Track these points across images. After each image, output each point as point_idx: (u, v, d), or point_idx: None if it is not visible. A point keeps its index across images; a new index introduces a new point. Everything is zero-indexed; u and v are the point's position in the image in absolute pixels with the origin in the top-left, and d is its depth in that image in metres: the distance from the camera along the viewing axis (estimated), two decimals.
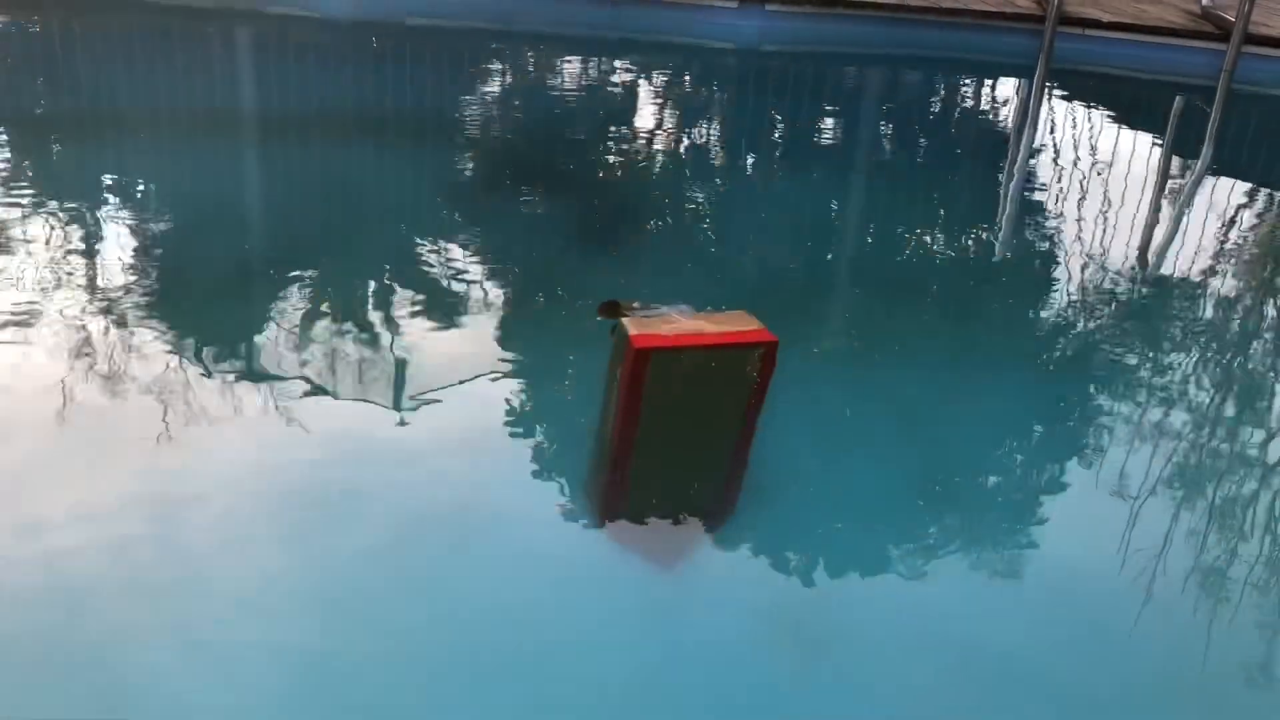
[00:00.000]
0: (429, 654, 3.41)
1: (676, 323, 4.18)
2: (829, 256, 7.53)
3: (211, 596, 3.56)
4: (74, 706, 3.09)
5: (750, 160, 9.78)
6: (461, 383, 5.04)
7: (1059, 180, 9.32)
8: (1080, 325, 6.37)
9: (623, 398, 4.03)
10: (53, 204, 7.01)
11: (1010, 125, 11.23)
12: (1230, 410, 5.47)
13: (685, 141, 10.00)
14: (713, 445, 4.23)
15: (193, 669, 3.25)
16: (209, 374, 4.94)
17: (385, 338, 5.46)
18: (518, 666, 3.35)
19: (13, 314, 5.30)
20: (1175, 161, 10.23)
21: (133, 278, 5.96)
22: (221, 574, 3.66)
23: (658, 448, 4.15)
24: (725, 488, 4.23)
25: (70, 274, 5.91)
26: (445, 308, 5.91)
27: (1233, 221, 8.51)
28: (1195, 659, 3.66)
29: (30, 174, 7.69)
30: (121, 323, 5.35)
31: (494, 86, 11.26)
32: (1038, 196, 8.94)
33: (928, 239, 7.84)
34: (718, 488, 4.23)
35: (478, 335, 5.63)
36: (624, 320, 4.12)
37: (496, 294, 6.16)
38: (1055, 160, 9.93)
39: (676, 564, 3.80)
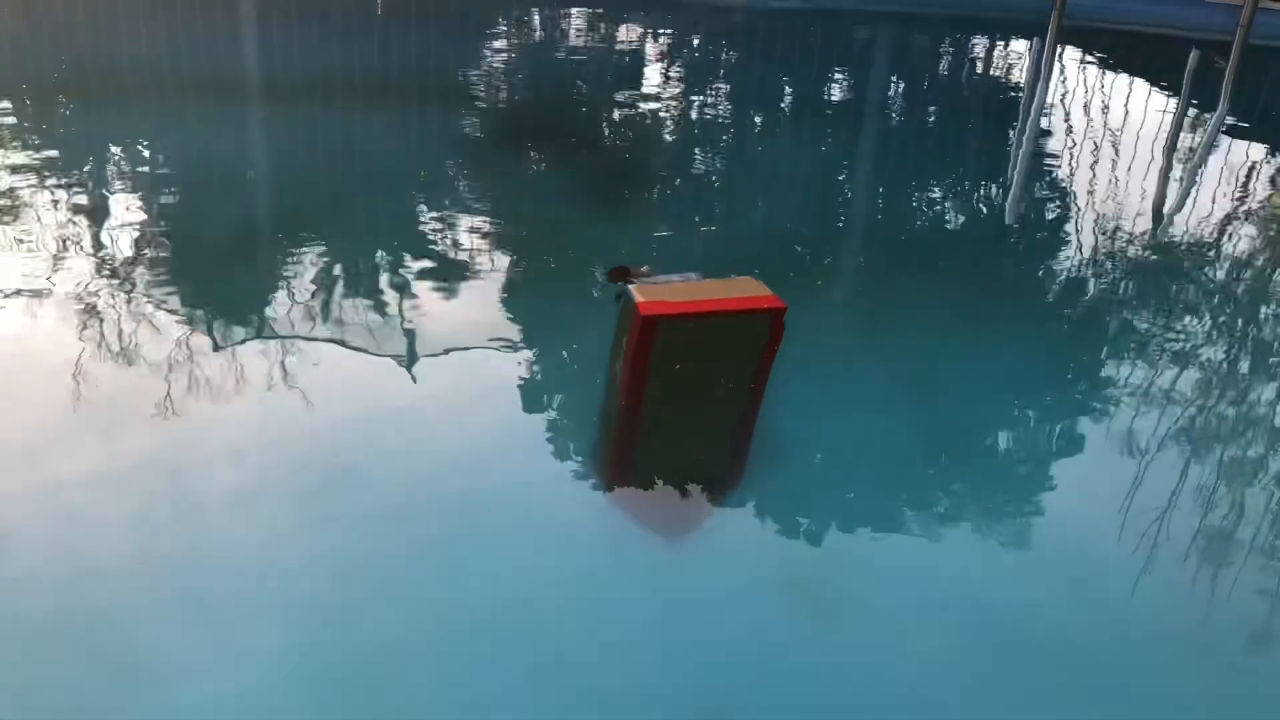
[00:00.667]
0: (440, 616, 3.38)
1: (684, 289, 4.15)
2: (839, 216, 7.46)
3: (222, 561, 3.54)
4: (85, 669, 3.09)
5: (762, 119, 9.69)
6: (473, 345, 5.01)
7: (1072, 138, 9.21)
8: (1093, 286, 6.31)
9: (629, 365, 4.01)
10: (67, 169, 7.00)
11: (1022, 83, 11.11)
12: (1241, 372, 5.41)
13: (696, 100, 9.92)
14: (720, 412, 4.19)
15: (202, 633, 3.23)
16: (219, 337, 4.93)
17: (396, 302, 5.43)
18: (528, 631, 3.32)
19: (30, 279, 5.30)
20: (1190, 117, 10.12)
21: (148, 241, 5.95)
22: (233, 538, 3.64)
23: (665, 415, 4.13)
24: (733, 455, 4.19)
25: (84, 239, 5.90)
26: (458, 269, 5.89)
27: (1248, 176, 8.42)
28: (1204, 620, 3.63)
29: (43, 137, 7.69)
30: (137, 287, 5.35)
31: (500, 46, 11.18)
32: (1050, 155, 8.84)
33: (938, 199, 7.76)
34: (725, 455, 4.20)
35: (490, 297, 5.60)
36: (630, 287, 4.08)
37: (509, 254, 6.16)
38: (1068, 118, 9.82)
39: (684, 534, 3.77)
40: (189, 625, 3.26)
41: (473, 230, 6.41)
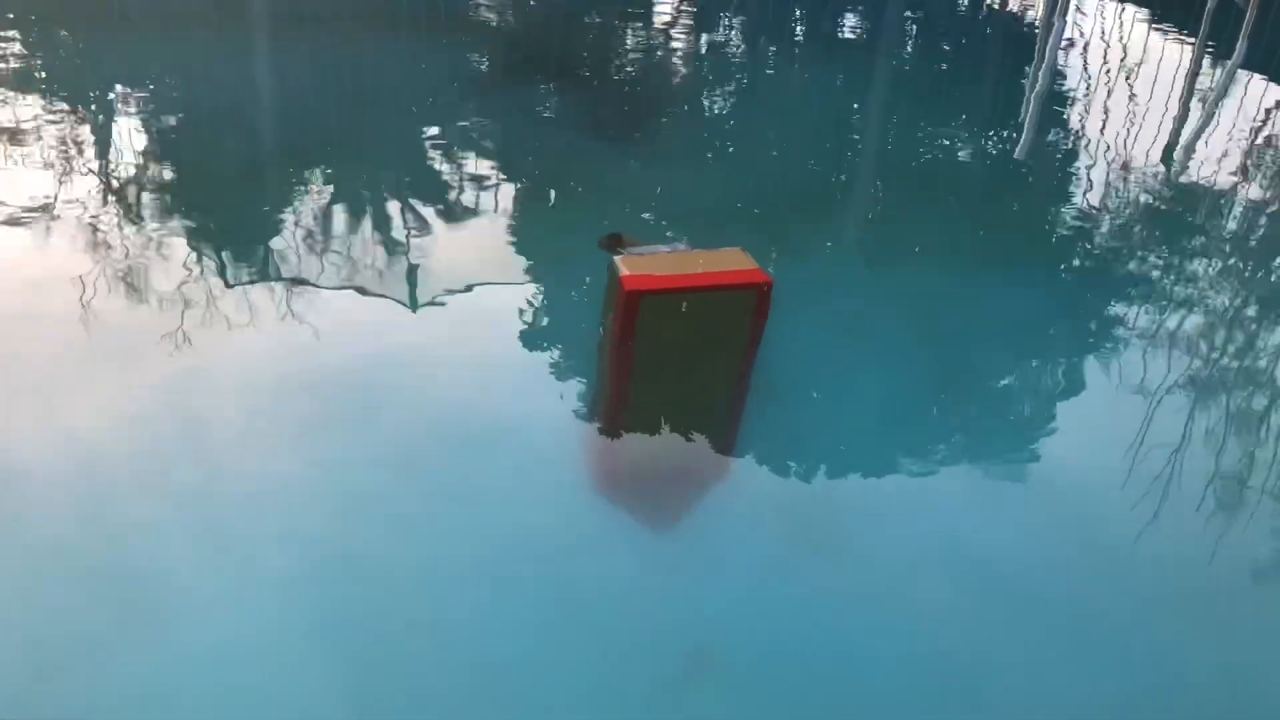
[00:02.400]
0: (443, 554, 3.40)
1: (670, 261, 4.12)
2: (848, 153, 7.38)
3: (231, 494, 3.56)
4: (94, 598, 3.12)
5: (774, 53, 9.55)
6: (480, 281, 5.02)
7: (1086, 77, 9.07)
8: (1105, 226, 6.25)
9: (616, 339, 4.00)
10: (72, 100, 6.97)
11: (1037, 21, 10.89)
12: (1251, 316, 5.38)
13: (707, 32, 9.76)
14: (708, 388, 4.17)
15: (211, 566, 3.25)
16: (223, 272, 4.94)
17: (403, 237, 5.43)
18: (529, 570, 3.33)
19: (36, 209, 5.32)
20: (1208, 57, 9.92)
21: (155, 173, 5.97)
22: (241, 472, 3.66)
23: (653, 390, 4.10)
24: (723, 433, 4.12)
25: (90, 170, 5.90)
26: (465, 206, 5.87)
27: (1264, 120, 8.28)
28: (1206, 569, 3.64)
29: (49, 68, 7.66)
30: (142, 220, 5.37)
31: None
32: (1064, 95, 8.71)
33: (949, 137, 7.66)
34: (715, 433, 4.12)
35: (496, 234, 5.59)
36: (616, 259, 4.06)
37: (516, 190, 6.14)
38: (1084, 57, 9.66)
39: (672, 522, 3.65)
40: (198, 558, 3.29)
41: (480, 165, 6.39)
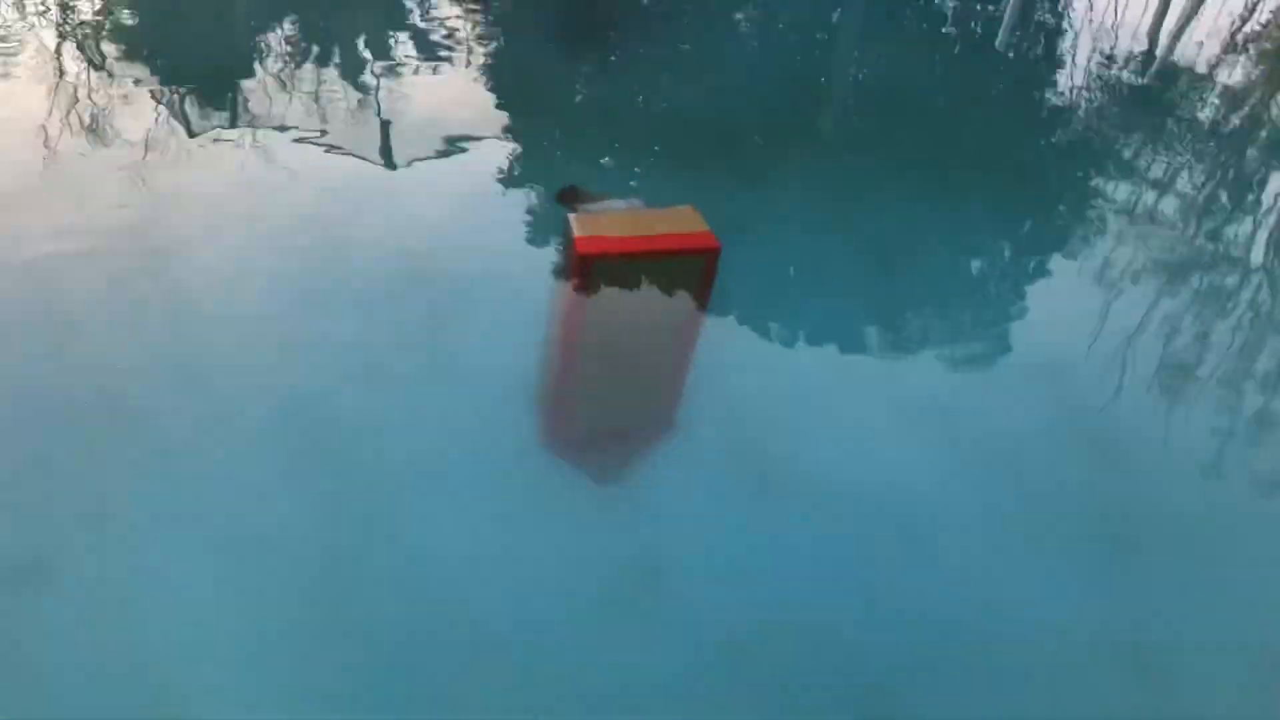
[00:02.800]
0: (415, 401, 3.52)
1: (623, 220, 4.20)
2: (814, 71, 7.29)
3: (199, 336, 3.67)
4: (65, 435, 3.26)
5: None
6: (450, 149, 5.11)
7: None
8: (1080, 113, 6.32)
9: (567, 298, 4.09)
10: None
11: None
12: (1221, 208, 5.49)
13: None
14: (658, 345, 4.23)
15: (177, 404, 3.37)
16: (200, 122, 5.00)
17: (376, 99, 5.49)
18: (492, 442, 3.48)
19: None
20: None
21: (125, 18, 6.05)
22: (209, 315, 3.76)
23: (603, 348, 4.18)
24: (672, 387, 4.14)
25: (61, 17, 5.95)
26: (440, 71, 5.96)
27: (1243, 18, 8.18)
28: (1157, 453, 3.82)
29: None
30: (110, 64, 5.41)
31: None
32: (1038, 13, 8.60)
33: (920, 49, 7.55)
34: (665, 388, 4.15)
35: (473, 103, 5.67)
36: (571, 217, 4.14)
37: (492, 68, 6.19)
38: None
39: (616, 477, 3.69)
40: (176, 405, 3.40)
41: (459, 32, 6.46)
